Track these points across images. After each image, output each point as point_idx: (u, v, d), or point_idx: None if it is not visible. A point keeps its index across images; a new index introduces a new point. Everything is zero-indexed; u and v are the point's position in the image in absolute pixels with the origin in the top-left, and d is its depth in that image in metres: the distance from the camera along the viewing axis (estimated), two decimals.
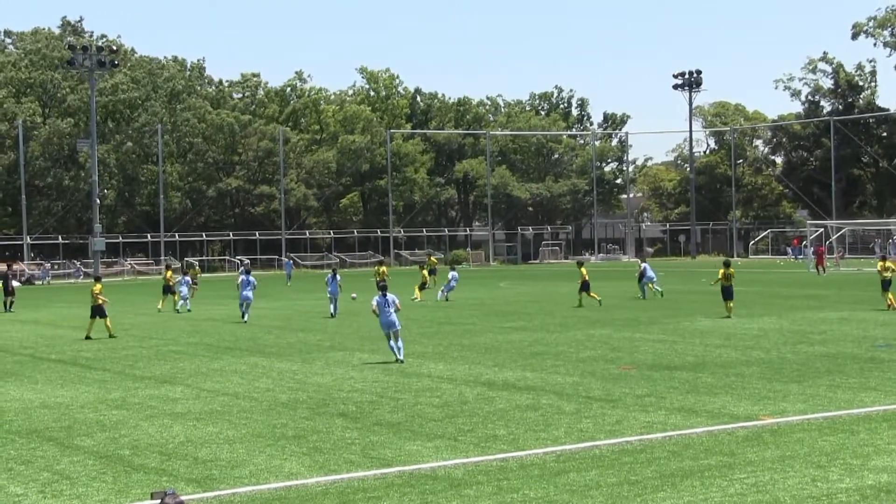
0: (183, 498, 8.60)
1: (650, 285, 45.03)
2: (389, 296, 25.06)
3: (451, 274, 47.87)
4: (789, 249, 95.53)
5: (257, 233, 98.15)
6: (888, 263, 37.32)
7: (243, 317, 37.18)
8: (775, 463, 13.10)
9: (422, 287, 48.30)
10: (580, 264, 44.41)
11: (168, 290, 44.83)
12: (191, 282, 46.72)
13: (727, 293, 35.22)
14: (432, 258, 63.97)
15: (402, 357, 24.41)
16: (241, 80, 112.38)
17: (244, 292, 37.86)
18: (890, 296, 35.93)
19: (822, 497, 11.49)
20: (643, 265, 46.59)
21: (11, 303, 46.55)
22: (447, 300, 45.63)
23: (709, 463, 13.23)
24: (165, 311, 42.92)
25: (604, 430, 15.64)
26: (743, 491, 11.81)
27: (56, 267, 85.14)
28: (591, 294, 41.47)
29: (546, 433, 15.49)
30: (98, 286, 33.31)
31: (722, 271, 35.91)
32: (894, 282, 36.75)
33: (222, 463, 14.07)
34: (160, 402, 19.22)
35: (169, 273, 47.26)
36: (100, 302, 32.50)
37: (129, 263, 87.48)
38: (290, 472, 13.41)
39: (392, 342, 24.70)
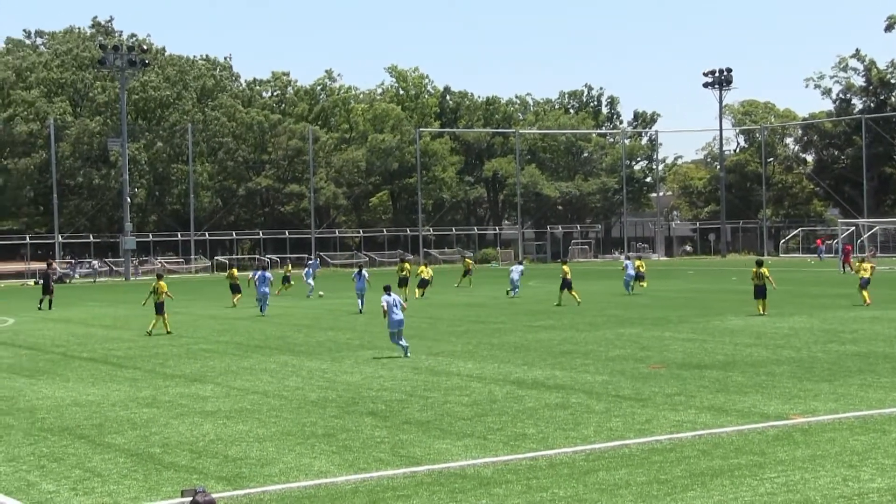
0: (213, 496, 8.65)
1: (639, 283, 48.31)
2: (395, 296, 25.67)
3: (515, 268, 49.15)
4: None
5: (287, 231, 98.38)
6: (865, 264, 39.19)
7: (262, 310, 39.74)
8: (806, 462, 13.04)
9: (422, 285, 48.83)
10: (563, 262, 45.65)
11: (236, 288, 45.60)
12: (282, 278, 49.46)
13: (759, 292, 35.38)
14: (468, 259, 64.18)
15: (408, 353, 25.21)
16: (271, 78, 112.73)
17: (262, 288, 40.33)
18: (865, 293, 37.70)
19: (854, 497, 11.42)
20: (626, 262, 50.08)
21: (51, 301, 46.88)
22: (513, 295, 46.63)
23: (739, 462, 13.18)
24: (240, 307, 42.89)
25: (633, 428, 15.61)
26: (773, 490, 11.76)
27: (86, 266, 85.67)
28: (573, 293, 41.92)
29: (576, 432, 15.48)
30: (163, 283, 34.28)
31: (755, 270, 36.06)
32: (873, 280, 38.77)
33: (252, 461, 14.13)
34: (190, 401, 19.32)
35: (234, 271, 47.49)
36: (163, 299, 33.54)
37: (160, 262, 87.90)
38: (319, 471, 13.45)
39: (397, 340, 25.24)
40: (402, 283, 47.32)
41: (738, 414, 16.58)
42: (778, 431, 15.11)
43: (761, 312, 34.71)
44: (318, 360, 25.27)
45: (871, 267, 39.50)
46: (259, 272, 41.07)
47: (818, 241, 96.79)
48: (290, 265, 58.81)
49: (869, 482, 12.01)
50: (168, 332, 32.97)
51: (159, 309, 33.60)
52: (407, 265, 49.45)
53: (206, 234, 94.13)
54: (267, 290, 40.49)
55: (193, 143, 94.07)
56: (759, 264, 36.61)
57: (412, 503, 11.82)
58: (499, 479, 12.69)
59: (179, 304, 46.59)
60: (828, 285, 49.66)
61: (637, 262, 50.83)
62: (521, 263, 52.68)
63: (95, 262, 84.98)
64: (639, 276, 49.42)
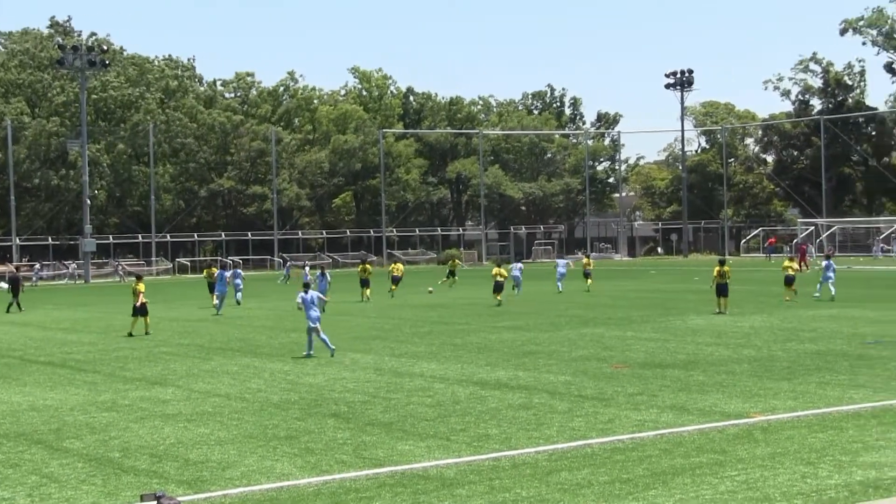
0: (175, 500, 8.60)
1: (587, 280, 50.89)
2: (313, 293, 26.33)
3: (515, 265, 50.60)
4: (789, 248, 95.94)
5: (249, 233, 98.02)
6: (794, 263, 41.53)
7: (218, 310, 40.79)
8: (766, 460, 13.13)
9: (394, 282, 49.96)
10: (498, 264, 46.75)
11: (214, 287, 45.27)
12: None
13: (721, 290, 35.76)
14: (456, 260, 65.24)
15: (333, 350, 25.76)
16: (234, 79, 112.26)
17: (221, 287, 42.08)
18: (793, 289, 39.95)
19: (812, 493, 11.51)
20: (558, 261, 54.33)
21: (19, 304, 46.50)
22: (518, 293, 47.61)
23: (700, 461, 13.25)
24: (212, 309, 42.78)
25: (596, 428, 15.66)
26: (734, 488, 11.83)
27: (46, 268, 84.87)
28: (497, 295, 42.47)
29: (538, 432, 15.50)
30: (141, 285, 34.04)
31: (717, 269, 36.37)
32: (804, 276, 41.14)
33: (213, 464, 14.05)
34: (151, 404, 19.19)
35: (214, 269, 47.07)
36: (140, 301, 33.21)
37: (120, 264, 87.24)
38: (281, 473, 13.40)
39: (316, 335, 25.81)
40: (365, 283, 47.53)
41: (700, 413, 16.67)
42: (738, 430, 15.20)
43: (722, 310, 35.08)
44: (281, 361, 25.18)
45: (799, 264, 41.48)
46: (231, 271, 42.90)
47: (770, 240, 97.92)
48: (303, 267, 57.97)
49: (827, 479, 12.11)
50: (134, 334, 32.76)
51: (138, 310, 33.38)
52: (368, 266, 49.63)
53: (168, 235, 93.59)
54: (226, 289, 42.09)
55: (155, 145, 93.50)
56: (722, 263, 37.19)
57: None
58: (462, 480, 12.69)
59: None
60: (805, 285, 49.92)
61: (584, 261, 53.90)
62: (520, 262, 54.23)
63: (37, 265, 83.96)
64: (586, 274, 51.36)
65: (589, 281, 50.91)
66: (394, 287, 49.62)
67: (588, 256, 57.32)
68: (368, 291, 47.26)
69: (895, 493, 11.46)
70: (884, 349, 24.21)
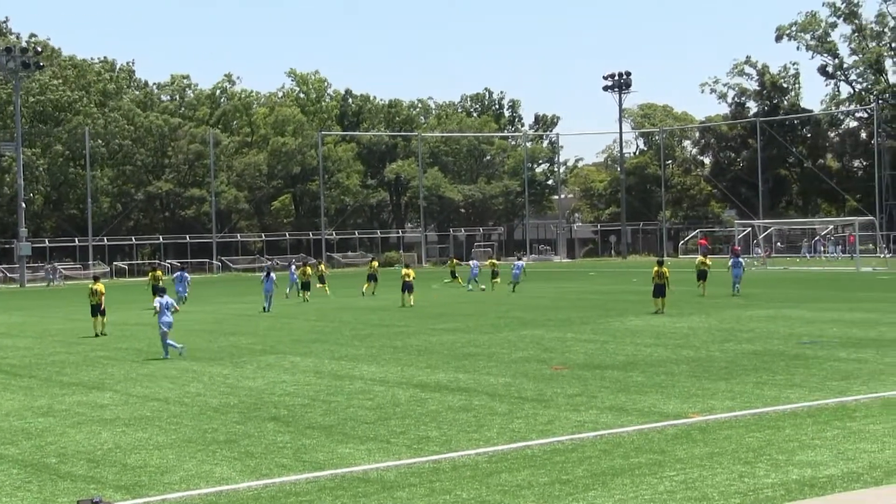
0: None
1: (493, 280, 53.99)
2: (168, 299, 27.20)
3: (517, 263, 53.86)
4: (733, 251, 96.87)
5: (188, 236, 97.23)
6: (707, 259, 44.48)
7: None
8: (704, 460, 13.25)
9: (371, 278, 51.96)
10: (406, 266, 49.94)
11: (158, 290, 44.81)
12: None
13: (659, 290, 36.36)
14: (454, 259, 66.77)
15: (182, 348, 26.70)
16: (170, 81, 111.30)
17: (177, 287, 45.62)
18: (704, 283, 42.71)
19: (749, 492, 11.64)
20: (472, 262, 58.60)
21: None
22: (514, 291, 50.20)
23: (639, 461, 13.34)
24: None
25: (536, 429, 15.71)
26: (672, 488, 11.93)
27: None
28: (408, 296, 43.27)
29: (478, 434, 15.52)
30: (101, 286, 34.92)
31: (655, 269, 36.99)
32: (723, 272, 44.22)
33: (152, 469, 13.92)
34: (88, 409, 18.97)
35: (159, 272, 47.50)
36: (102, 302, 34.04)
37: (56, 268, 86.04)
38: (220, 477, 13.30)
39: (169, 340, 26.59)
40: (305, 287, 47.98)
41: (639, 413, 16.78)
42: (677, 430, 15.33)
43: (660, 310, 35.59)
44: (220, 365, 25.00)
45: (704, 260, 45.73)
46: (177, 273, 46.73)
47: (701, 241, 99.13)
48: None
49: (764, 478, 12.25)
50: (101, 335, 33.45)
51: (95, 311, 34.11)
52: (309, 269, 50.17)
53: (105, 239, 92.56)
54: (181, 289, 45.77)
55: (92, 148, 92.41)
56: (661, 264, 37.86)
57: None
58: (402, 483, 12.68)
59: (77, 310, 45.77)
60: (725, 285, 50.47)
61: (489, 261, 58.27)
62: (520, 259, 57.22)
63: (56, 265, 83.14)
64: (494, 274, 54.76)
65: (496, 280, 54.12)
66: (368, 285, 51.27)
67: (492, 257, 60.67)
68: (307, 294, 48.62)
69: (830, 491, 11.62)
70: (819, 349, 24.53)
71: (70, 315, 44.02)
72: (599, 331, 30.47)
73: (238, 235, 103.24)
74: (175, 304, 27.70)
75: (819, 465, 12.77)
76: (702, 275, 44.24)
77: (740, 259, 46.95)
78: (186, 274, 48.50)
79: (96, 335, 33.46)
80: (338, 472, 13.33)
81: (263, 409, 18.39)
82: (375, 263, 54.24)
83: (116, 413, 18.43)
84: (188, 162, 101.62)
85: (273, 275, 43.37)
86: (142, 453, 14.93)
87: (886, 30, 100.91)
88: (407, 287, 43.50)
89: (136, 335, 33.88)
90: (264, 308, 42.13)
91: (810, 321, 31.59)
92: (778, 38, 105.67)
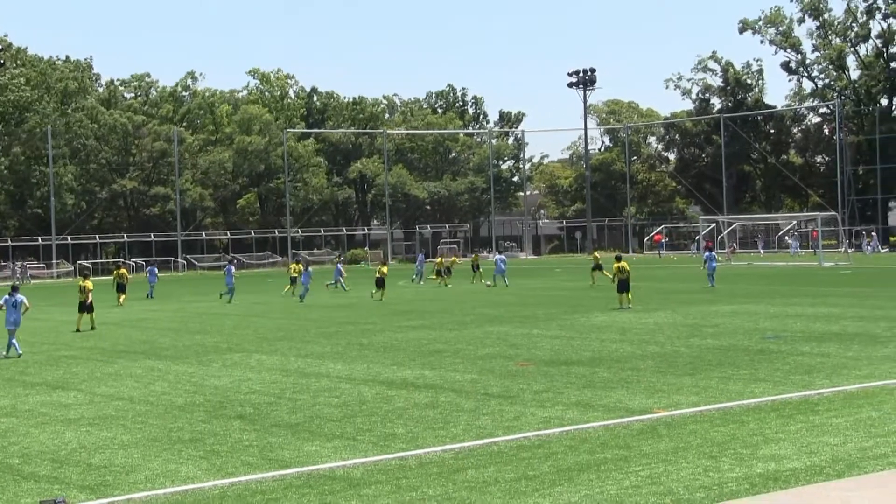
0: None
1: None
2: (19, 296, 27.64)
3: (500, 258, 55.05)
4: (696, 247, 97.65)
5: (152, 234, 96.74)
6: (624, 264, 39.05)
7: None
8: (669, 455, 13.32)
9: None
10: (383, 263, 51.19)
11: (122, 287, 47.19)
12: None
13: (623, 286, 36.87)
14: (476, 255, 66.93)
15: (21, 351, 27.34)
16: (132, 79, 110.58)
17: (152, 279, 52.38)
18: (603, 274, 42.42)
19: (714, 486, 11.71)
20: (419, 256, 63.29)
21: None
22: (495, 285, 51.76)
23: (605, 456, 13.39)
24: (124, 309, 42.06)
25: (502, 426, 15.74)
26: (638, 483, 11.98)
27: None
28: (378, 292, 45.80)
29: (445, 431, 15.53)
30: (90, 283, 35.97)
31: (616, 265, 37.54)
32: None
33: (117, 468, 13.84)
34: (52, 409, 18.83)
35: (124, 270, 49.47)
36: (89, 298, 35.21)
37: (24, 266, 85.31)
38: (186, 476, 13.25)
39: (11, 339, 27.16)
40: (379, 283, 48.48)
41: (604, 409, 16.85)
42: (642, 425, 15.40)
43: (625, 305, 36.17)
44: (186, 364, 24.89)
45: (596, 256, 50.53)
46: (148, 269, 53.58)
47: (657, 236, 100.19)
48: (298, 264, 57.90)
49: (728, 472, 12.33)
50: (81, 330, 34.57)
51: (85, 307, 35.25)
52: (295, 266, 52.96)
53: (69, 238, 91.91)
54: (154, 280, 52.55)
55: (55, 146, 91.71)
56: (619, 259, 38.65)
57: None
58: (369, 480, 12.67)
59: (40, 310, 45.44)
60: (691, 281, 50.79)
61: (439, 258, 60.09)
62: (501, 253, 56.53)
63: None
64: (447, 271, 56.89)
65: (446, 278, 55.92)
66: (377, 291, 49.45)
67: (442, 255, 63.44)
68: (381, 294, 46.76)
69: (794, 484, 11.71)
70: (783, 344, 24.71)
71: (33, 315, 43.61)
72: (565, 327, 30.56)
73: (203, 233, 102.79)
74: (26, 302, 28.04)
75: (783, 459, 12.86)
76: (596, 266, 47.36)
77: (714, 253, 49.44)
78: (233, 267, 51.17)
79: (77, 330, 34.41)
80: (304, 470, 13.31)
81: (229, 407, 18.33)
82: (385, 269, 50.96)
83: (81, 412, 18.31)
84: (152, 160, 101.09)
85: (234, 268, 47.64)
86: (106, 453, 14.84)
87: (854, 24, 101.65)
88: (379, 283, 45.78)
89: (100, 334, 33.66)
90: (225, 296, 47.26)
91: (774, 316, 31.81)
92: (742, 31, 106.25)
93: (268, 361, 24.68)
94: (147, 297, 51.85)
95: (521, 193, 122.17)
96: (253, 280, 71.43)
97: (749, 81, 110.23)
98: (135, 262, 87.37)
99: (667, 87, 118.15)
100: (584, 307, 37.52)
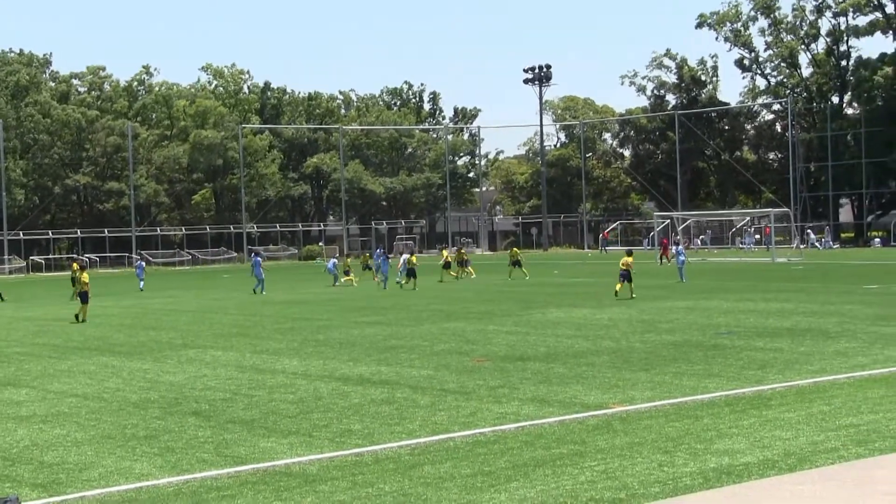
0: None
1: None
2: None
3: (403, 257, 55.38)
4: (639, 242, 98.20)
5: (106, 230, 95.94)
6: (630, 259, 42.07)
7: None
8: (624, 450, 13.39)
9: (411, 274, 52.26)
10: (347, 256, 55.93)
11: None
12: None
13: (624, 276, 39.36)
14: (515, 249, 64.77)
15: None
16: (86, 72, 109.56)
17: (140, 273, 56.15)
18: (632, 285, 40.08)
19: (669, 481, 11.79)
20: (378, 251, 60.98)
21: None
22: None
23: (560, 452, 13.43)
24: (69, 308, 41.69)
25: (458, 422, 15.75)
26: (593, 478, 12.04)
27: None
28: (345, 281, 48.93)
29: (401, 426, 15.53)
30: (85, 275, 37.17)
31: (623, 259, 40.49)
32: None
33: (70, 466, 13.73)
34: (3, 406, 18.63)
35: (76, 265, 50.12)
36: (86, 289, 36.18)
37: None
38: (140, 473, 13.16)
39: None
40: (411, 273, 50.73)
41: (560, 404, 16.91)
42: (598, 421, 15.47)
43: (629, 295, 38.13)
44: (140, 360, 24.72)
45: (660, 258, 50.58)
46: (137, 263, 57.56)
47: (604, 233, 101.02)
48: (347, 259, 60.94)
49: (682, 466, 12.41)
50: (86, 320, 35.47)
51: (84, 298, 36.05)
52: (413, 258, 53.55)
53: (21, 233, 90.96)
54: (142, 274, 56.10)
55: (6, 140, 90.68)
56: (629, 254, 41.58)
57: (237, 503, 11.69)
58: (324, 476, 12.65)
59: None
60: (646, 276, 51.03)
61: (458, 251, 61.51)
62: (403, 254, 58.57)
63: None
64: (464, 263, 58.19)
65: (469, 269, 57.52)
66: (406, 280, 51.23)
67: (413, 253, 61.66)
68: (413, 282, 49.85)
69: (746, 478, 11.81)
70: (737, 339, 24.91)
71: None
72: (521, 323, 30.64)
73: (158, 229, 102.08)
74: None
75: (736, 453, 12.97)
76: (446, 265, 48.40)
77: (682, 248, 52.35)
78: (260, 258, 52.52)
79: (84, 320, 35.38)
80: (260, 467, 13.26)
81: (184, 403, 18.22)
82: (414, 258, 53.13)
83: (33, 409, 18.13)
84: (106, 155, 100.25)
85: (260, 258, 51.64)
86: (59, 450, 14.71)
87: (802, 23, 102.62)
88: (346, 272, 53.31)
89: (52, 330, 33.36)
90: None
91: (728, 311, 32.06)
92: (698, 26, 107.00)
93: (223, 358, 24.56)
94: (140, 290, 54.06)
95: (477, 189, 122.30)
96: (208, 276, 71.03)
97: (704, 78, 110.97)
98: (88, 258, 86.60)
99: (622, 84, 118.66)
100: (539, 303, 37.64)
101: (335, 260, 57.53)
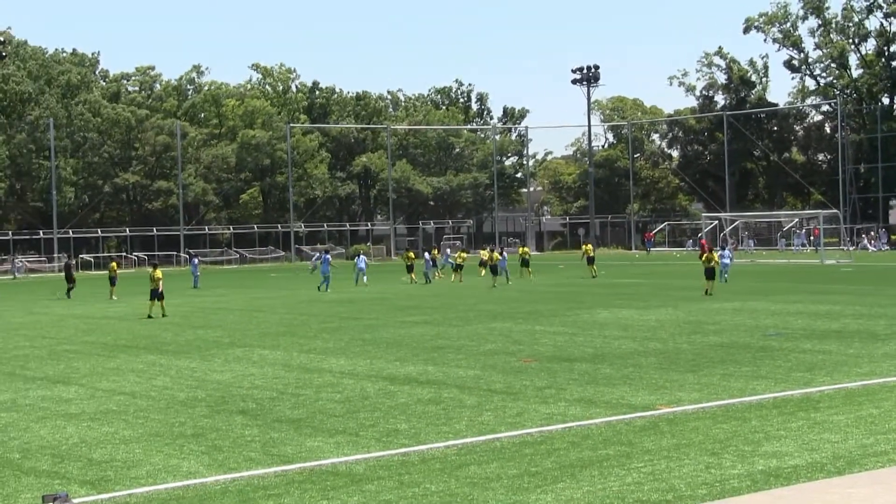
0: (75, 501, 8.45)
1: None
2: None
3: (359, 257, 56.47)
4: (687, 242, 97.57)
5: (155, 229, 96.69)
6: (715, 255, 43.57)
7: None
8: (671, 451, 13.31)
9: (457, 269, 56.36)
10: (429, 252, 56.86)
11: (114, 281, 49.49)
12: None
13: (709, 273, 40.72)
14: (588, 245, 64.66)
15: None
16: (136, 72, 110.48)
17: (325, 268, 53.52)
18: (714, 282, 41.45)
19: (716, 483, 11.70)
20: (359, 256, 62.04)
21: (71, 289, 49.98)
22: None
23: (607, 453, 13.38)
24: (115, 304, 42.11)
25: (505, 422, 15.72)
26: (640, 479, 11.97)
27: None
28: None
29: (447, 427, 15.52)
30: (159, 272, 38.38)
31: (705, 255, 42.07)
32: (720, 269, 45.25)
33: (118, 463, 13.84)
34: (53, 403, 18.83)
35: (115, 265, 51.29)
36: (160, 286, 37.50)
37: (21, 261, 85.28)
38: (188, 472, 13.24)
39: None
40: (410, 269, 55.46)
41: (607, 405, 16.84)
42: (645, 422, 15.39)
43: (708, 290, 39.67)
44: (187, 358, 24.90)
45: (700, 257, 47.28)
46: (193, 260, 57.40)
47: (648, 234, 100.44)
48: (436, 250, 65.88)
49: (730, 469, 12.32)
50: (151, 316, 36.79)
51: (155, 295, 37.48)
52: (412, 254, 57.72)
53: (70, 231, 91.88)
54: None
55: (57, 139, 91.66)
56: (711, 250, 43.60)
57: (283, 502, 11.72)
58: (371, 476, 12.66)
59: (41, 303, 45.55)
60: (692, 278, 50.66)
61: (520, 249, 61.52)
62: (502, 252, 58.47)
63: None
64: (525, 262, 57.57)
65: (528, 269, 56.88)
66: (455, 275, 55.69)
67: (523, 245, 65.10)
68: (413, 275, 55.04)
69: (795, 481, 11.70)
70: (784, 341, 24.70)
71: (32, 309, 43.70)
72: (568, 323, 30.55)
73: (206, 228, 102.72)
74: None
75: (784, 456, 12.85)
76: (709, 272, 41.56)
77: (728, 251, 52.34)
78: (329, 256, 53.02)
79: (149, 316, 36.67)
80: (306, 466, 13.31)
81: (231, 402, 18.32)
82: (412, 254, 58.73)
83: (82, 407, 18.31)
84: (155, 154, 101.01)
85: (329, 256, 52.28)
86: (108, 448, 14.84)
87: (852, 23, 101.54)
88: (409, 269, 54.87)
89: (101, 328, 33.67)
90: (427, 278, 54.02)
91: (776, 313, 31.79)
92: (746, 30, 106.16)
93: (270, 356, 24.68)
94: (193, 287, 54.99)
95: (525, 189, 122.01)
96: (256, 275, 71.45)
97: (753, 78, 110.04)
98: (136, 257, 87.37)
99: (671, 85, 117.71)
100: (586, 304, 37.49)
101: (365, 257, 57.86)
